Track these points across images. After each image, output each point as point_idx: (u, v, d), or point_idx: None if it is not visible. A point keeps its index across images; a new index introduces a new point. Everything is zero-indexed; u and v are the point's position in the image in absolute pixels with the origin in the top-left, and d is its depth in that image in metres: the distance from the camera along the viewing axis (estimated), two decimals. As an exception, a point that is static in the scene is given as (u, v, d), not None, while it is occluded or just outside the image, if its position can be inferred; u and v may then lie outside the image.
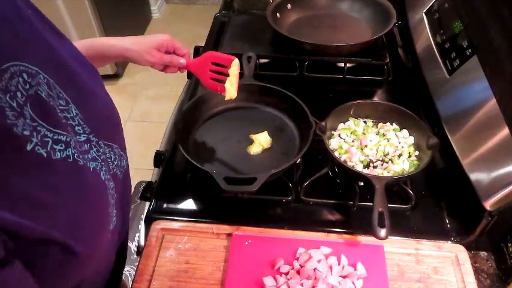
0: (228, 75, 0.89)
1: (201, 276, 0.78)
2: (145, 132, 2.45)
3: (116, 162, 0.63)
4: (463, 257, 0.80)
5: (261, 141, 0.96)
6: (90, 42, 0.84)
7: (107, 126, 0.62)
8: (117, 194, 0.62)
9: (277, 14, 1.29)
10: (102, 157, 0.58)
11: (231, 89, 0.89)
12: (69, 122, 0.52)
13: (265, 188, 0.80)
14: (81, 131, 0.55)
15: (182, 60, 0.91)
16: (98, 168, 0.56)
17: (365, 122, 0.99)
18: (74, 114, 0.54)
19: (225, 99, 0.90)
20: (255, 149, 0.95)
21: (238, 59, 1.09)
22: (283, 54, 1.22)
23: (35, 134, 0.45)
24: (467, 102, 0.90)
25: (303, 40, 1.16)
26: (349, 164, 0.90)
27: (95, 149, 0.56)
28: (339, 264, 0.77)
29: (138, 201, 2.05)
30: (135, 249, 1.86)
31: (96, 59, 0.83)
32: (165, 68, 0.91)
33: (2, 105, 0.41)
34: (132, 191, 2.10)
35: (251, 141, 0.97)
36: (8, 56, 0.43)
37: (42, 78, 0.48)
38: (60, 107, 0.51)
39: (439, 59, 1.03)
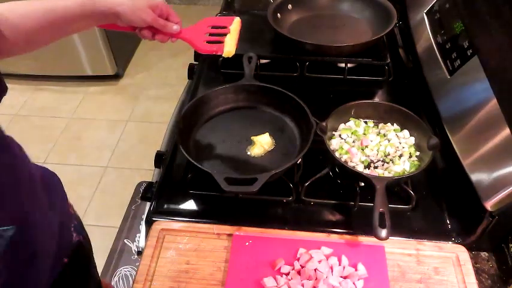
0: (227, 33, 0.87)
1: (202, 276, 0.78)
2: (146, 133, 2.45)
3: None
4: (464, 258, 0.80)
5: (263, 143, 0.96)
6: None
7: None
8: None
9: (278, 14, 1.29)
10: None
11: (230, 43, 0.86)
12: None
13: (265, 189, 0.80)
14: None
15: (176, 27, 0.84)
16: None
17: (366, 122, 0.99)
18: None
19: (223, 55, 0.86)
20: (256, 151, 0.95)
21: (239, 59, 1.09)
22: (283, 54, 1.22)
23: None
24: (468, 102, 0.90)
25: (303, 40, 1.16)
26: (350, 164, 0.90)
27: None
28: (339, 264, 0.77)
29: (139, 201, 2.05)
30: (136, 250, 1.86)
31: (89, 17, 0.76)
32: (154, 34, 0.84)
33: None
34: (133, 191, 2.11)
35: (252, 142, 0.97)
36: None
37: None
38: None
39: (439, 59, 1.03)
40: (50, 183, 0.83)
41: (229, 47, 0.86)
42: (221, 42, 0.87)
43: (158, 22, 0.82)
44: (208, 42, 0.88)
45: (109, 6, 0.77)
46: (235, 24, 0.88)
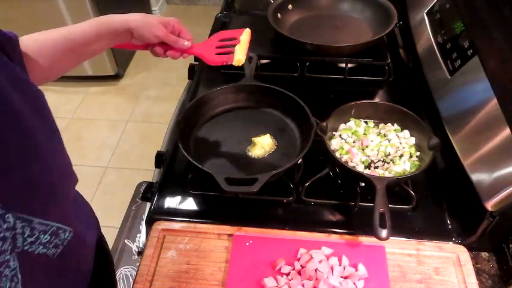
0: (236, 44, 0.89)
1: (202, 276, 0.78)
2: (146, 133, 2.45)
3: (30, 239, 0.54)
4: (464, 258, 0.80)
5: (263, 144, 0.96)
6: (95, 20, 0.79)
7: (30, 196, 0.53)
8: (44, 273, 0.58)
9: (278, 14, 1.29)
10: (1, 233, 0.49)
11: (240, 53, 0.88)
12: None
13: (266, 189, 0.80)
14: None
15: (187, 42, 0.86)
16: None
17: (366, 122, 0.99)
18: None
19: (233, 63, 0.88)
20: (256, 152, 0.95)
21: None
22: (284, 54, 1.22)
23: None
24: (468, 102, 0.90)
25: (304, 41, 1.16)
26: (350, 164, 0.90)
27: None
28: (340, 264, 0.77)
29: (139, 201, 2.05)
30: (136, 250, 1.87)
31: (105, 36, 0.80)
32: (166, 50, 0.86)
33: None
34: (133, 191, 2.11)
35: (252, 142, 0.97)
36: None
37: None
38: None
39: (440, 59, 1.03)
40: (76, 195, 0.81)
41: (238, 56, 0.88)
42: (231, 53, 0.89)
43: (170, 38, 0.84)
44: (219, 54, 0.90)
45: (123, 22, 0.80)
46: (245, 35, 0.90)
